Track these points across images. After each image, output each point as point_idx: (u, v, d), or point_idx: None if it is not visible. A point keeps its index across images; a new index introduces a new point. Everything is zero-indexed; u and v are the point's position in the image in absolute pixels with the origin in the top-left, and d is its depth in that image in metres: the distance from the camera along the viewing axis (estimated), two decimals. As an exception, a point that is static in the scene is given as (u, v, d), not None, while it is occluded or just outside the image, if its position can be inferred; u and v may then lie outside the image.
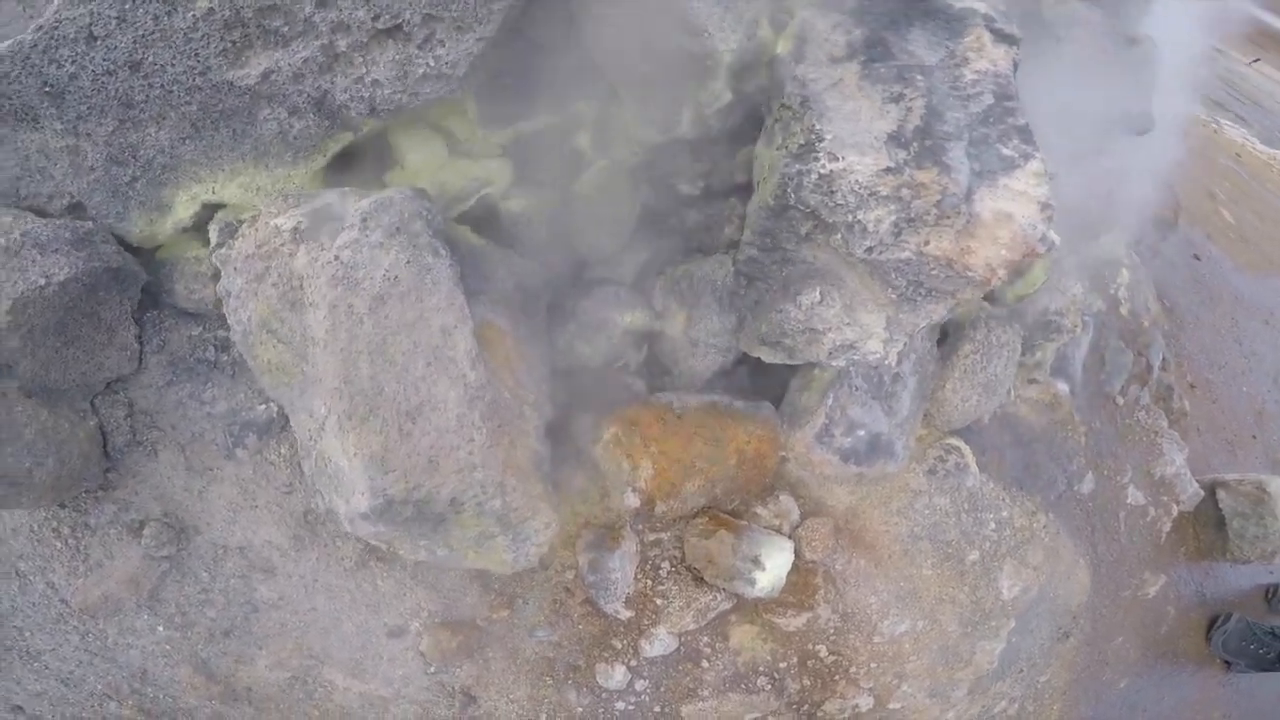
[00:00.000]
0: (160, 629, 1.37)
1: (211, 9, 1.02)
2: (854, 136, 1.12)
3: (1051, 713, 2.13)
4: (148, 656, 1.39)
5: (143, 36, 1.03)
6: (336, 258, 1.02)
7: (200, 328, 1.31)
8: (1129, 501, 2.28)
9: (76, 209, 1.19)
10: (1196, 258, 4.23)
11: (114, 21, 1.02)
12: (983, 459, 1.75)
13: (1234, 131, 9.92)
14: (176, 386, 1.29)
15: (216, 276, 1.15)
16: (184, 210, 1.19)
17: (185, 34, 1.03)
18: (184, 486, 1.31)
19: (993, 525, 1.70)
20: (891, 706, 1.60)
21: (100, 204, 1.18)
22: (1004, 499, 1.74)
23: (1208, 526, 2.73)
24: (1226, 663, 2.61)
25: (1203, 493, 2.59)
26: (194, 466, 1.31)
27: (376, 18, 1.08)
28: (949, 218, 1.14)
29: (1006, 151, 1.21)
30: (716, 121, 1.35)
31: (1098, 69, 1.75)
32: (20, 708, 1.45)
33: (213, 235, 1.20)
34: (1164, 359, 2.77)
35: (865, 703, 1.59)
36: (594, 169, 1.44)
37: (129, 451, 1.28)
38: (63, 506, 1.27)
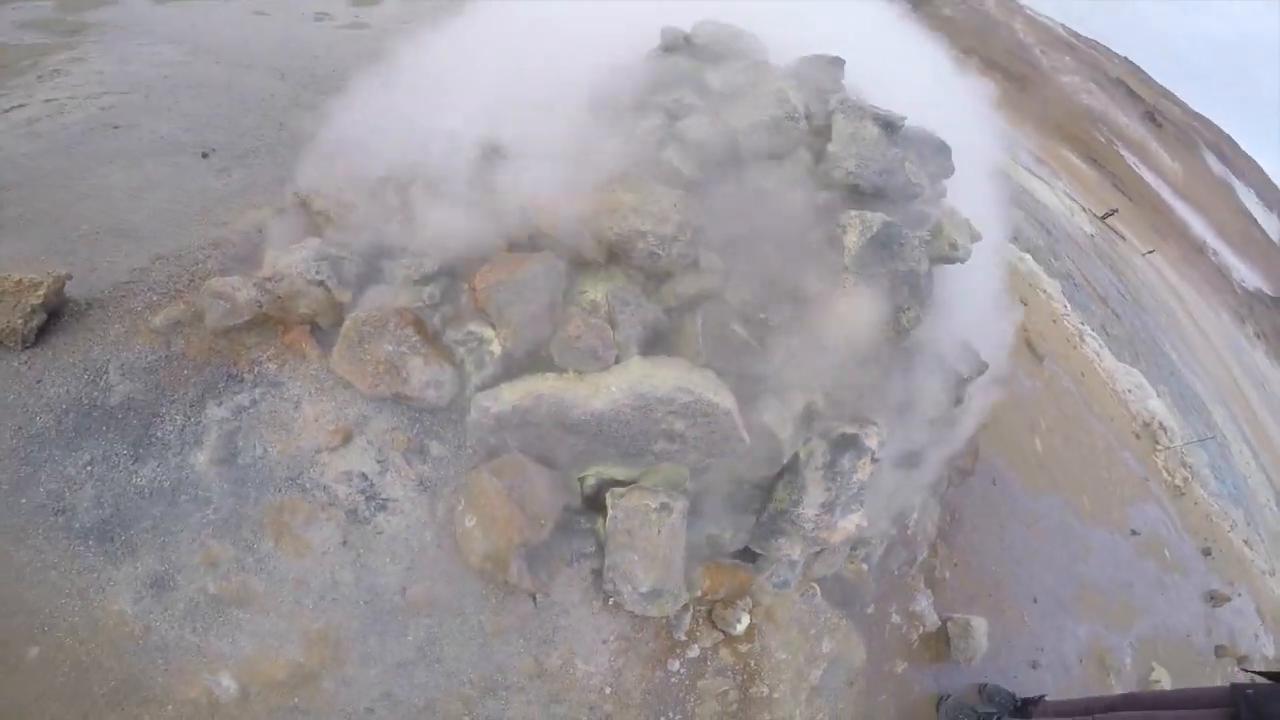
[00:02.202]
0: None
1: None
2: (811, 501, 3.47)
3: (848, 714, 4.49)
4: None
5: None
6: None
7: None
8: (893, 620, 4.73)
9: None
10: (993, 483, 6.95)
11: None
12: (824, 591, 4.14)
13: (1092, 344, 12.96)
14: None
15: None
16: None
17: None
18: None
19: (823, 618, 4.08)
20: (759, 691, 3.92)
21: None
22: (830, 610, 4.13)
23: (941, 642, 5.25)
24: None
25: (940, 622, 5.12)
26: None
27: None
28: (828, 528, 3.51)
29: (854, 507, 3.60)
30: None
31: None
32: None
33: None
34: (933, 548, 5.32)
35: (757, 694, 3.89)
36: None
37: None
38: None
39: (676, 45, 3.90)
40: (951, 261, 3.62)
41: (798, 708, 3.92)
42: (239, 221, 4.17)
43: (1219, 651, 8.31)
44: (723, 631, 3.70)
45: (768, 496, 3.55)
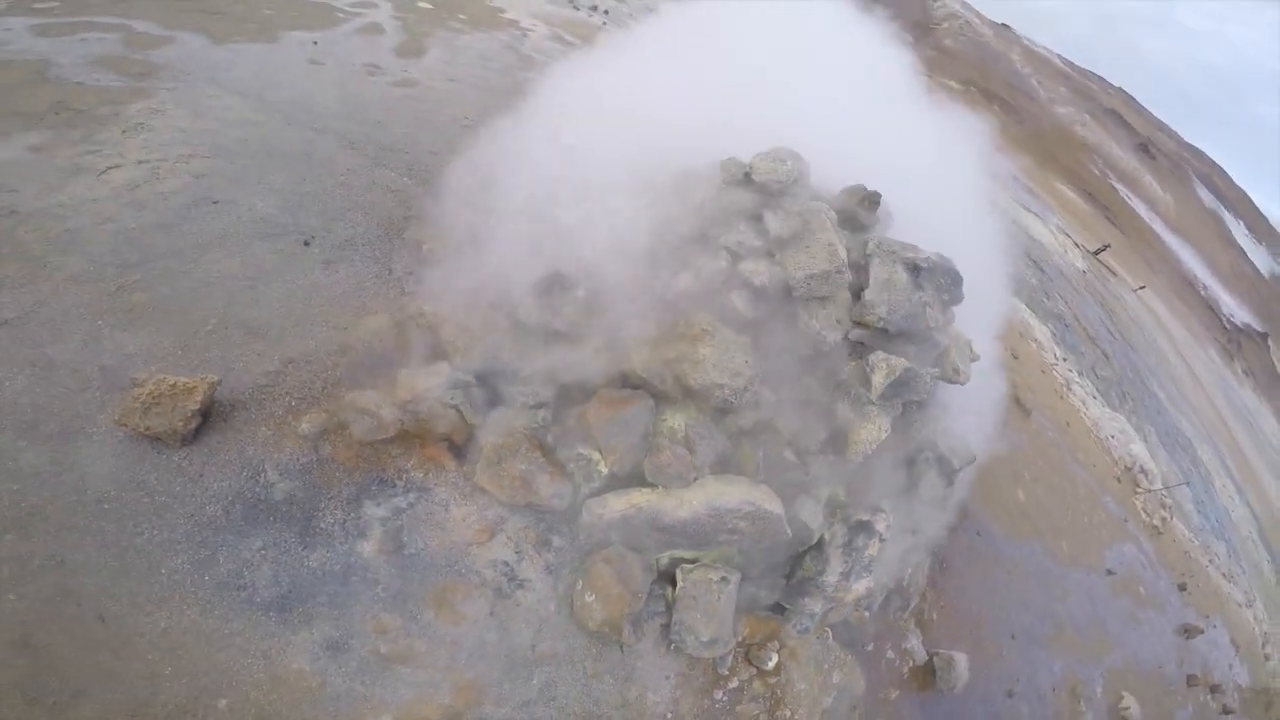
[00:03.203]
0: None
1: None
2: (833, 571, 4.48)
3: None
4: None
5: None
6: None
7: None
8: (888, 656, 5.74)
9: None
10: (978, 534, 7.91)
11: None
12: (835, 634, 5.14)
13: (1080, 393, 13.75)
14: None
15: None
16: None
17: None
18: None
19: (833, 656, 5.09)
20: (781, 714, 4.92)
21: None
22: (839, 650, 5.14)
23: (929, 673, 6.21)
24: None
25: (928, 657, 6.11)
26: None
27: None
28: (845, 590, 4.53)
29: (864, 575, 4.61)
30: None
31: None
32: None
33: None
34: (923, 594, 6.32)
35: (780, 716, 4.90)
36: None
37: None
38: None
39: (737, 179, 4.57)
40: (953, 383, 4.62)
41: (815, 730, 4.93)
42: (358, 328, 4.75)
43: (1190, 681, 9.03)
44: (756, 667, 4.72)
45: (797, 565, 4.56)
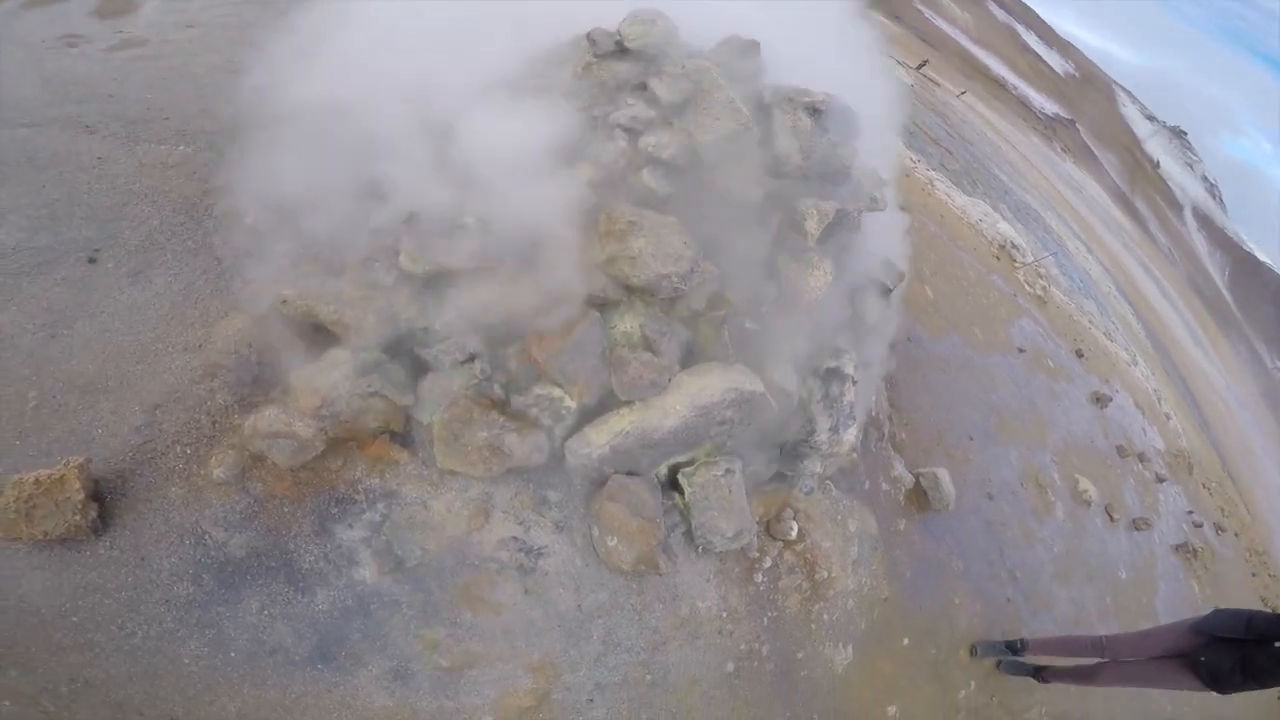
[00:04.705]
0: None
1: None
2: (821, 428, 4.50)
3: (881, 573, 5.77)
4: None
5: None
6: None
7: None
8: (883, 489, 6.02)
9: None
10: (909, 340, 8.25)
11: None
12: (836, 484, 5.29)
13: (942, 187, 14.62)
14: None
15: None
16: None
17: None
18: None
19: (842, 505, 5.25)
20: (822, 576, 5.07)
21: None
22: (844, 498, 5.30)
23: (921, 495, 6.57)
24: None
25: (914, 479, 6.46)
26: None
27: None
28: (838, 443, 4.59)
29: (850, 422, 4.68)
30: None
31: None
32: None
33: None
34: (891, 420, 6.65)
35: (821, 578, 5.05)
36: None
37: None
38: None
39: (608, 50, 4.14)
40: (875, 211, 4.62)
41: (849, 578, 5.11)
42: (213, 341, 3.87)
43: (1121, 452, 9.89)
44: (781, 541, 4.76)
45: (784, 431, 4.55)
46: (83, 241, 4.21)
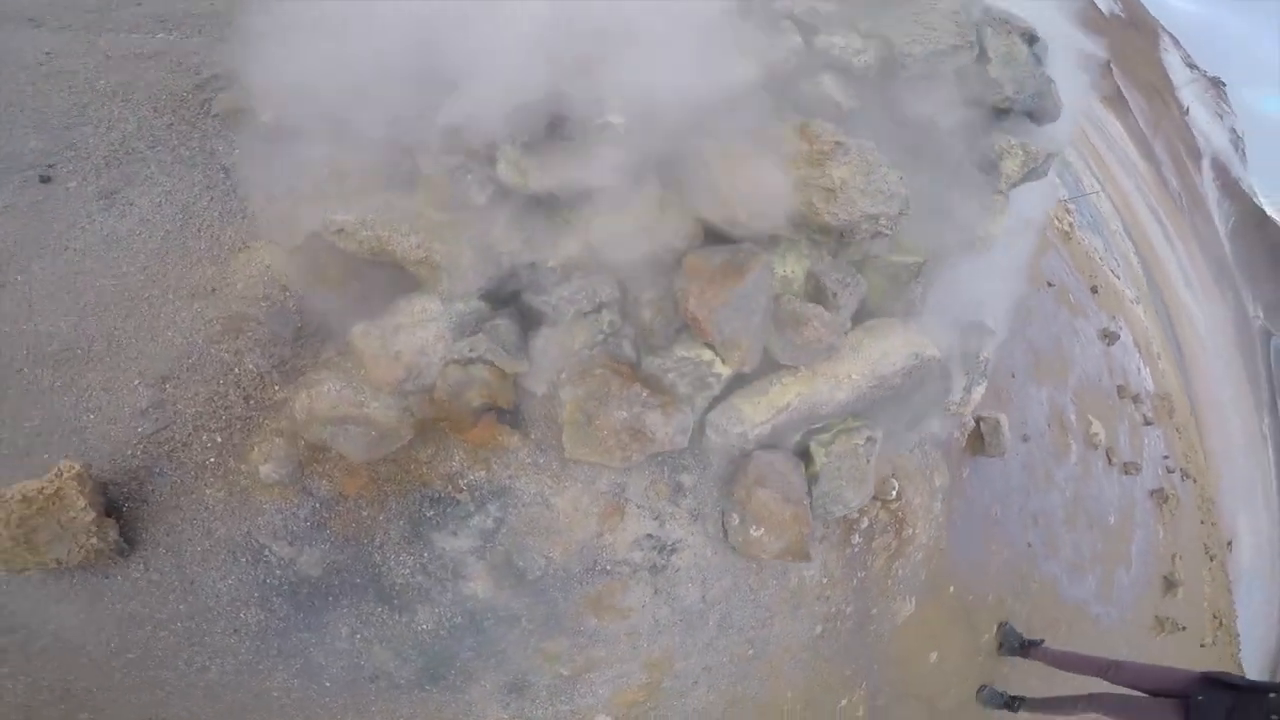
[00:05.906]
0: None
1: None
2: (957, 387, 3.99)
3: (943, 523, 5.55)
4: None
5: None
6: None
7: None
8: (954, 437, 5.74)
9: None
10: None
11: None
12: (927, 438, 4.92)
13: None
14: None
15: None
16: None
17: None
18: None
19: (930, 460, 4.90)
20: (908, 533, 4.79)
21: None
22: (932, 452, 4.95)
23: (977, 438, 6.31)
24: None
25: (974, 424, 6.17)
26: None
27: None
28: (967, 404, 4.11)
29: (980, 380, 4.18)
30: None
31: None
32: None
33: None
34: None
35: (906, 535, 4.76)
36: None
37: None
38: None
39: None
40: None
41: (927, 534, 4.90)
42: (232, 282, 2.86)
43: (1120, 392, 9.69)
44: (881, 500, 4.42)
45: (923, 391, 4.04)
46: (29, 155, 3.07)
